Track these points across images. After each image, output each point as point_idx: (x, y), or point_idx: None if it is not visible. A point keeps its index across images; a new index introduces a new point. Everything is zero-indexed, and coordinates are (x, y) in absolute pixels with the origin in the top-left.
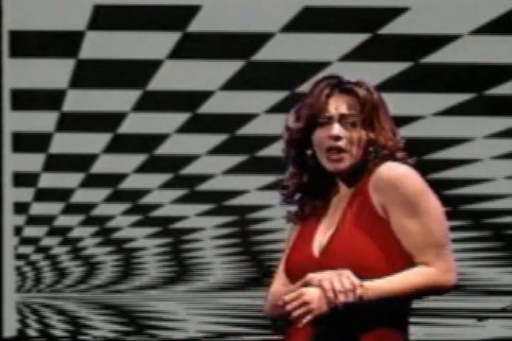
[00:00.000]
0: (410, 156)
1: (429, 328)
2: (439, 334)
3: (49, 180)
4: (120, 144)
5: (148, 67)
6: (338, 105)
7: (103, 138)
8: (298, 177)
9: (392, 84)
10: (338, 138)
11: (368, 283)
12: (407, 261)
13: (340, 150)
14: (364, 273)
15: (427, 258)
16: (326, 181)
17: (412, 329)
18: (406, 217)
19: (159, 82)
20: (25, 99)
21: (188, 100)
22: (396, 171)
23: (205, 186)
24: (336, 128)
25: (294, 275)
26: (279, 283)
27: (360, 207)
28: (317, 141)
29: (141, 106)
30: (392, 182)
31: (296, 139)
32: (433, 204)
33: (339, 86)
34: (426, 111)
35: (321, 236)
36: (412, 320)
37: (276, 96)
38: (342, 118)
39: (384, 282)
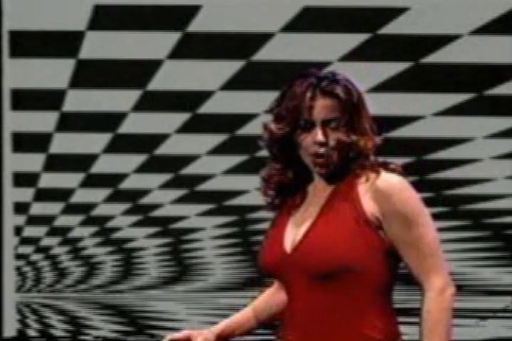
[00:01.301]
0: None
1: None
2: None
3: (49, 180)
4: (120, 144)
5: (148, 67)
6: (320, 109)
7: (103, 138)
8: (281, 173)
9: (392, 84)
10: (322, 144)
11: None
12: (389, 264)
13: (324, 156)
14: (338, 268)
15: (426, 269)
16: (305, 175)
17: (412, 330)
18: (406, 228)
19: (159, 82)
20: (25, 99)
21: (188, 100)
22: (394, 184)
23: (205, 186)
24: (320, 135)
25: (269, 272)
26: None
27: (345, 208)
28: (302, 145)
29: (141, 106)
30: (391, 195)
31: (278, 139)
32: (428, 216)
33: (319, 86)
34: (426, 111)
35: (294, 231)
36: (412, 320)
37: (276, 96)
38: (325, 123)
39: None
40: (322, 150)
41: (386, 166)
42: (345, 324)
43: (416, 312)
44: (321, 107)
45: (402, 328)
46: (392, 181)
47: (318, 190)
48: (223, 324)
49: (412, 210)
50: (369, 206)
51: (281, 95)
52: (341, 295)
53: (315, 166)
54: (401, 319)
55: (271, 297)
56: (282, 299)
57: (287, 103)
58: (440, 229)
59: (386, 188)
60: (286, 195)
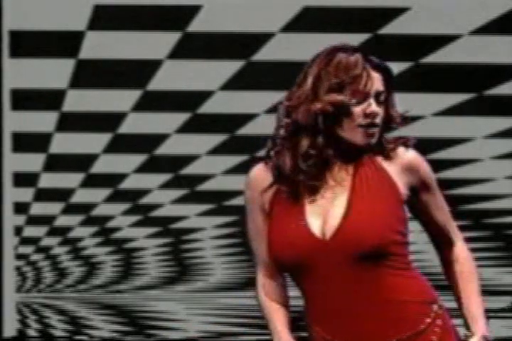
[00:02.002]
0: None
1: None
2: None
3: (49, 180)
4: (120, 144)
5: (148, 67)
6: (375, 80)
7: (103, 138)
8: (321, 147)
9: None
10: (377, 115)
11: (481, 323)
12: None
13: (376, 126)
14: (383, 245)
15: (454, 228)
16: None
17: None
18: (433, 194)
19: (159, 82)
20: (25, 99)
21: (188, 100)
22: (417, 157)
23: (205, 186)
24: (376, 105)
25: (295, 263)
26: (265, 274)
27: (377, 185)
28: (352, 117)
29: (141, 106)
30: (418, 167)
31: (332, 111)
32: None
33: (368, 59)
34: (426, 111)
35: (320, 216)
36: None
37: (276, 96)
38: (377, 95)
39: (477, 310)
40: (374, 120)
41: (396, 141)
42: (394, 298)
43: None
44: (375, 79)
45: None
46: (414, 154)
47: (333, 172)
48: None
49: (433, 178)
50: (399, 181)
51: (318, 68)
52: (382, 271)
53: (364, 136)
54: None
55: (282, 297)
56: (280, 283)
57: (340, 74)
58: None
59: (413, 162)
60: (275, 182)
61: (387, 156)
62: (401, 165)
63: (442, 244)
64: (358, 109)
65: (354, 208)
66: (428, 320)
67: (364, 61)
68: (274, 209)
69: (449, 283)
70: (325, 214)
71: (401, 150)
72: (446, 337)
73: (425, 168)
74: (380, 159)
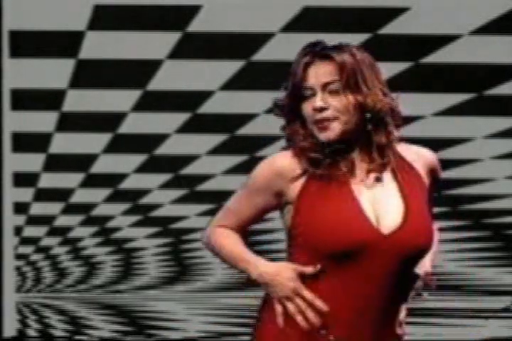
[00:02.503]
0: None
1: (429, 328)
2: (439, 334)
3: (49, 180)
4: (120, 144)
5: (148, 67)
6: (317, 73)
7: (103, 138)
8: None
9: (392, 84)
10: (322, 109)
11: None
12: None
13: (328, 120)
14: (427, 251)
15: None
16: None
17: (412, 330)
18: (433, 197)
19: (159, 82)
20: (25, 99)
21: (188, 100)
22: (435, 155)
23: (205, 186)
24: (318, 100)
25: (348, 250)
26: (228, 225)
27: (414, 182)
28: (305, 115)
29: (141, 106)
30: (437, 165)
31: (286, 112)
32: None
33: (315, 52)
34: (426, 111)
35: (374, 209)
36: (412, 320)
37: (276, 96)
38: (324, 87)
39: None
40: (322, 115)
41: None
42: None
43: (417, 312)
44: (317, 72)
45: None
46: (433, 153)
47: (366, 162)
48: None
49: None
50: (427, 179)
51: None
52: (412, 273)
53: (318, 132)
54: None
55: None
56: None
57: (290, 73)
58: (440, 229)
59: (434, 159)
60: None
61: (410, 151)
62: (426, 165)
63: None
64: (306, 105)
65: (410, 208)
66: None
67: (311, 55)
68: (311, 201)
69: None
70: (378, 208)
71: (425, 149)
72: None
73: (440, 168)
74: (405, 155)
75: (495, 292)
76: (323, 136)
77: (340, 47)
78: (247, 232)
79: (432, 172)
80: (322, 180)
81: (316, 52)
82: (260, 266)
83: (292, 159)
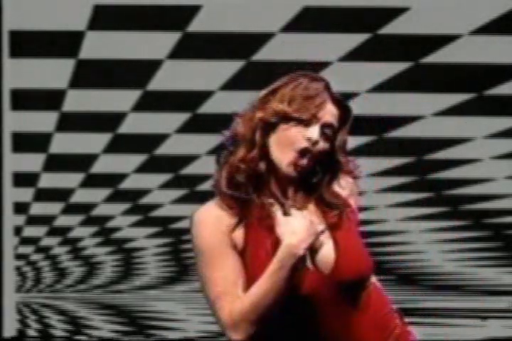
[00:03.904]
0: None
1: (429, 328)
2: (439, 334)
3: (49, 180)
4: (120, 144)
5: (148, 67)
6: (328, 111)
7: (103, 138)
8: (255, 162)
9: (392, 84)
10: (316, 143)
11: None
12: None
13: (312, 155)
14: (369, 276)
15: None
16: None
17: (412, 330)
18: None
19: (159, 82)
20: (25, 99)
21: (188, 100)
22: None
23: (205, 186)
24: (317, 132)
25: (298, 297)
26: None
27: (338, 215)
28: (286, 138)
29: (141, 106)
30: (354, 193)
31: (271, 122)
32: None
33: (330, 92)
34: (426, 111)
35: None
36: (412, 320)
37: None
38: (324, 127)
39: None
40: (315, 148)
41: (344, 169)
42: (379, 311)
43: (417, 312)
44: (329, 110)
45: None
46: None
47: (288, 191)
48: None
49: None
50: (352, 202)
51: (277, 85)
52: (363, 293)
53: (294, 165)
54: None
55: None
56: None
57: (297, 90)
58: (440, 229)
59: (355, 188)
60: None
61: (337, 182)
62: (349, 191)
63: None
64: (297, 130)
65: (338, 241)
66: (398, 323)
67: (325, 90)
68: (256, 249)
69: None
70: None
71: (347, 177)
72: (405, 333)
73: (353, 192)
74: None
75: (495, 292)
76: (292, 171)
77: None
78: None
79: (352, 199)
80: (259, 226)
81: (330, 91)
82: (284, 249)
83: (216, 209)
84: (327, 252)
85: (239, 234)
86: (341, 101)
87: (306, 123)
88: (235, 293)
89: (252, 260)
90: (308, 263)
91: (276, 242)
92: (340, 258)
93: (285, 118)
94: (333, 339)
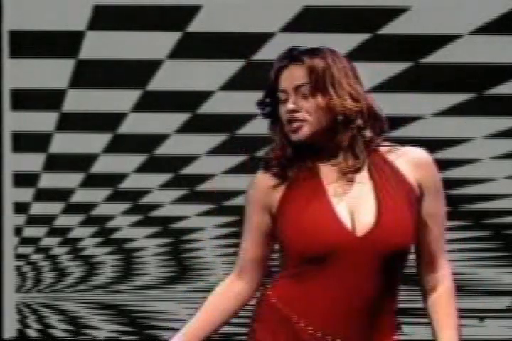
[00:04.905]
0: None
1: (429, 328)
2: None
3: (49, 180)
4: (120, 144)
5: (148, 67)
6: (290, 77)
7: (103, 138)
8: (282, 149)
9: (392, 84)
10: (293, 111)
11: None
12: None
13: (298, 120)
14: (410, 246)
15: (442, 247)
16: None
17: (412, 330)
18: (435, 201)
19: (159, 82)
20: (25, 99)
21: (188, 100)
22: (428, 156)
23: (205, 186)
24: (290, 102)
25: (322, 254)
26: (233, 278)
27: (395, 183)
28: (281, 117)
29: (141, 106)
30: (430, 166)
31: (266, 114)
32: None
33: (289, 56)
34: (426, 111)
35: (348, 211)
36: (412, 320)
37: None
38: (296, 90)
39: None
40: (293, 115)
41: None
42: (391, 308)
43: (417, 312)
44: (290, 75)
45: (404, 328)
46: (426, 153)
47: (334, 167)
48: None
49: (441, 184)
50: (412, 178)
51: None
52: (393, 276)
53: (289, 132)
54: (401, 319)
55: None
56: (239, 292)
57: (271, 74)
58: None
59: (425, 160)
60: (294, 169)
61: (393, 152)
62: (410, 163)
63: (425, 264)
64: (281, 108)
65: (384, 207)
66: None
67: (283, 60)
68: (289, 205)
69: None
70: (353, 209)
71: (412, 148)
72: None
73: (435, 170)
74: (387, 154)
75: (495, 292)
76: (294, 137)
77: (313, 51)
78: (267, 267)
79: (419, 169)
80: (299, 186)
81: (290, 56)
82: None
83: (266, 174)
84: (368, 216)
85: (275, 196)
86: (298, 57)
87: (285, 97)
88: (246, 239)
89: (282, 215)
90: (346, 222)
91: (308, 200)
92: (377, 225)
93: (267, 106)
94: (337, 313)
